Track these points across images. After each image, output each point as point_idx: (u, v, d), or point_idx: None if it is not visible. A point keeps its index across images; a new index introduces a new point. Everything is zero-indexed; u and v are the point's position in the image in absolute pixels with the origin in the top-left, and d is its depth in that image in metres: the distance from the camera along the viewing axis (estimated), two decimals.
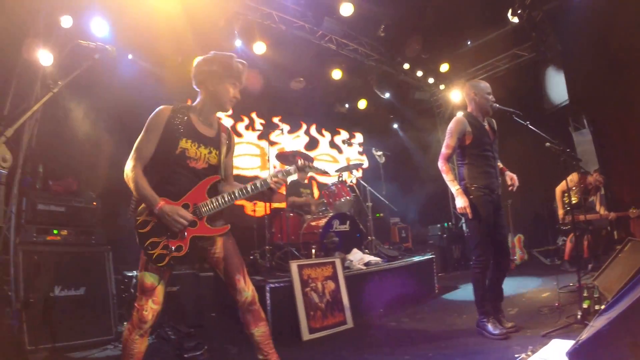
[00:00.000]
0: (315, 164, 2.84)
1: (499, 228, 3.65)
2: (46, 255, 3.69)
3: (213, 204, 2.42)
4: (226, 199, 2.45)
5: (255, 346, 2.58)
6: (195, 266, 4.90)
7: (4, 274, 3.84)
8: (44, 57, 4.32)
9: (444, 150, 3.65)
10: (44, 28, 4.47)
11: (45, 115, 4.55)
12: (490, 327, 3.43)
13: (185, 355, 3.41)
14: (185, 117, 2.47)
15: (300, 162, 2.67)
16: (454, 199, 3.67)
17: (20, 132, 4.26)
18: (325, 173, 2.97)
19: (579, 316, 3.39)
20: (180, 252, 2.33)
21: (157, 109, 2.44)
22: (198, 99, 2.55)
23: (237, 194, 2.48)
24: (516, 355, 2.84)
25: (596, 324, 2.11)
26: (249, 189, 2.50)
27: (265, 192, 2.59)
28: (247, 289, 2.53)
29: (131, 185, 2.32)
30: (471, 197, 3.56)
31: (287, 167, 2.62)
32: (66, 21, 4.65)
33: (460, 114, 3.77)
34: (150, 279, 2.31)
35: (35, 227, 3.81)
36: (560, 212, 6.49)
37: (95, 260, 4.04)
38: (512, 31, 7.17)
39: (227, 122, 5.93)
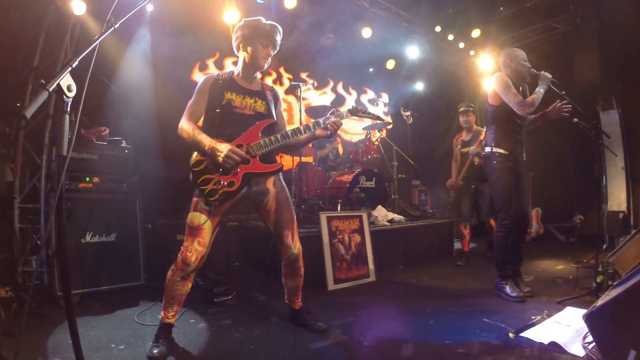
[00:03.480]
0: (366, 110, 2.87)
1: (520, 192, 3.70)
2: (78, 202, 3.72)
3: (266, 143, 2.52)
4: (279, 138, 2.55)
5: (286, 291, 2.90)
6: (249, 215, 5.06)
7: (34, 222, 3.95)
8: (77, 6, 4.22)
9: (516, 99, 3.48)
10: None
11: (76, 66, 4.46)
12: (508, 289, 3.56)
13: (215, 300, 3.56)
14: (228, 77, 2.67)
15: (352, 106, 2.76)
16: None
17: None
18: (377, 118, 2.98)
19: (593, 288, 3.51)
20: (232, 187, 2.44)
21: (203, 77, 2.69)
22: (238, 63, 2.73)
23: (289, 134, 2.58)
24: (532, 317, 2.95)
25: (611, 293, 2.16)
26: (302, 129, 2.61)
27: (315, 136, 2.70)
28: (293, 247, 2.69)
29: (184, 134, 2.49)
30: (495, 162, 3.64)
31: (340, 110, 2.70)
32: None
33: (499, 72, 3.73)
34: (198, 218, 2.44)
35: (68, 174, 3.75)
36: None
37: (126, 207, 4.08)
38: (548, 2, 6.90)
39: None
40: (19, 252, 3.78)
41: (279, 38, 2.71)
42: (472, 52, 8.53)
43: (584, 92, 6.85)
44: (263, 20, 2.65)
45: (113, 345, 2.57)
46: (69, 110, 1.55)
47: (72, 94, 1.54)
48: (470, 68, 9.08)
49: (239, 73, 2.72)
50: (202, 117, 2.63)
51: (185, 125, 2.50)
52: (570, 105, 3.54)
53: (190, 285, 2.53)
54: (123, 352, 2.48)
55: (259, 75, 2.82)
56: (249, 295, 3.85)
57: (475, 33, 7.91)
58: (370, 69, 8.52)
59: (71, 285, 3.32)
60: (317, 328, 2.82)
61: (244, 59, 2.68)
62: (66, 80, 1.50)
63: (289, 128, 2.68)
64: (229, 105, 2.57)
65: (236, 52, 2.73)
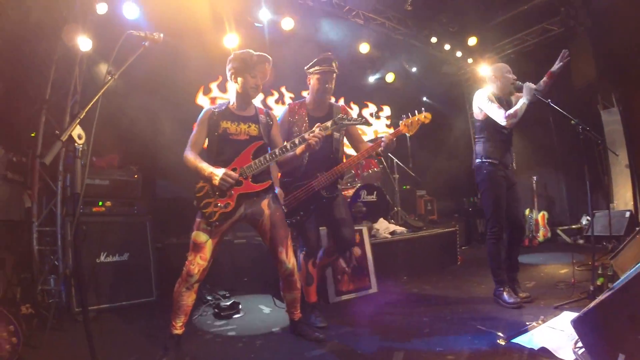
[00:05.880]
0: (351, 118, 2.92)
1: (513, 202, 3.81)
2: (92, 225, 3.99)
3: (256, 164, 2.74)
4: (267, 158, 2.76)
5: (285, 303, 3.10)
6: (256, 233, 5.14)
7: (52, 244, 4.22)
8: (83, 43, 4.49)
9: (499, 112, 3.63)
10: (81, 15, 4.58)
11: (84, 97, 4.66)
12: (505, 296, 3.62)
13: (222, 314, 3.74)
14: (224, 107, 2.93)
15: (337, 117, 2.89)
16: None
17: (62, 115, 4.49)
18: (364, 123, 2.99)
19: (591, 291, 3.50)
20: (228, 209, 2.69)
21: (202, 111, 2.95)
22: (233, 93, 2.96)
23: (277, 153, 2.78)
24: (527, 323, 3.02)
25: (601, 297, 2.16)
26: (288, 146, 2.79)
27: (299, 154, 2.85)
28: (288, 262, 2.88)
29: (188, 164, 2.77)
30: (485, 172, 3.75)
31: (325, 123, 2.85)
32: (101, 8, 4.77)
33: (481, 89, 3.88)
34: (200, 236, 2.68)
35: (82, 199, 4.04)
36: None
37: (137, 228, 4.33)
38: (541, 5, 6.92)
39: (258, 96, 5.91)
40: (37, 272, 4.01)
41: (268, 67, 2.92)
42: (470, 60, 8.61)
43: (583, 92, 6.90)
44: (252, 51, 2.86)
45: (126, 355, 2.78)
46: (79, 155, 1.82)
47: (81, 141, 1.81)
48: (470, 76, 9.18)
49: (233, 103, 2.96)
50: (206, 145, 2.90)
51: (188, 154, 2.79)
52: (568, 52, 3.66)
53: (195, 296, 2.74)
54: None
55: (260, 95, 3.00)
56: (254, 308, 4.02)
57: (472, 41, 7.96)
58: (370, 79, 8.57)
59: (88, 301, 3.61)
60: (314, 338, 2.99)
61: (237, 90, 2.91)
62: (76, 130, 1.77)
63: None
64: (225, 133, 2.82)
65: (231, 82, 2.95)
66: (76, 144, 1.82)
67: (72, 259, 3.94)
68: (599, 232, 6.47)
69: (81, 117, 1.84)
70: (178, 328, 2.70)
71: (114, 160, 4.58)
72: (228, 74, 2.92)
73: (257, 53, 2.87)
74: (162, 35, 2.33)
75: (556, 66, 3.69)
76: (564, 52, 3.67)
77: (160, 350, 2.68)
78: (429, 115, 3.33)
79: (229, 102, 2.98)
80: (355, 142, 3.53)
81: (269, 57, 2.91)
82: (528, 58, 7.47)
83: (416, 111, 3.32)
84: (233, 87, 2.94)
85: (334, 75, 3.45)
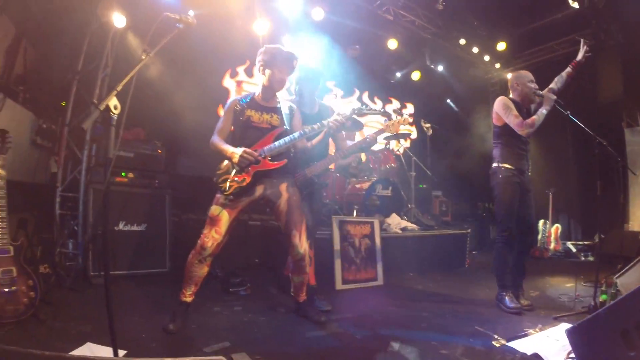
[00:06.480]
0: (372, 107, 3.11)
1: (527, 208, 3.81)
2: (114, 194, 4.16)
3: (275, 145, 2.89)
4: (286, 140, 2.90)
5: (292, 285, 3.23)
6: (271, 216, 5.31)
7: (73, 209, 4.43)
8: (118, 19, 4.63)
9: (516, 120, 3.63)
10: None
11: (115, 71, 4.83)
12: (507, 300, 3.64)
13: (231, 289, 3.90)
14: (249, 97, 3.10)
15: (357, 107, 3.03)
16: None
17: (93, 86, 4.68)
18: (384, 114, 3.24)
19: (592, 307, 3.48)
20: (243, 183, 2.85)
21: (229, 100, 3.13)
22: (260, 84, 3.09)
23: (296, 136, 2.91)
24: (524, 329, 3.06)
25: (598, 311, 2.20)
26: (307, 130, 2.92)
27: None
28: (300, 247, 2.99)
29: (213, 148, 2.95)
30: (500, 176, 3.77)
31: (344, 111, 2.99)
32: None
33: (502, 96, 3.91)
34: (217, 210, 2.85)
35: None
36: None
37: (157, 201, 4.49)
38: (573, 16, 6.81)
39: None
40: (57, 235, 4.24)
41: (295, 63, 3.05)
42: (497, 65, 8.58)
43: (608, 108, 6.71)
44: (282, 47, 3.01)
45: (136, 319, 2.95)
46: (114, 123, 1.97)
47: (117, 111, 1.95)
48: (496, 81, 9.12)
49: (259, 94, 3.09)
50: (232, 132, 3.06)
51: (214, 139, 2.96)
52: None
53: (206, 269, 2.89)
54: (143, 324, 2.86)
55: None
56: (262, 288, 4.15)
57: (501, 46, 7.94)
58: (397, 74, 8.62)
59: (102, 267, 3.77)
60: (316, 320, 3.12)
61: (263, 82, 3.04)
62: (113, 101, 1.93)
63: None
64: (248, 121, 2.97)
65: (259, 73, 3.08)
66: (112, 114, 1.95)
67: (103, 219, 4.06)
68: (610, 251, 6.32)
69: (119, 89, 1.97)
70: (188, 296, 2.85)
71: (140, 133, 4.75)
72: (257, 65, 3.04)
73: (287, 50, 3.01)
74: (194, 18, 2.40)
75: (580, 54, 3.76)
76: (583, 41, 3.73)
77: (168, 316, 2.82)
78: (408, 120, 3.55)
79: (255, 93, 3.12)
80: (339, 140, 3.75)
81: (296, 55, 3.03)
82: (556, 68, 7.34)
83: (397, 115, 3.57)
84: (260, 79, 3.07)
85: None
